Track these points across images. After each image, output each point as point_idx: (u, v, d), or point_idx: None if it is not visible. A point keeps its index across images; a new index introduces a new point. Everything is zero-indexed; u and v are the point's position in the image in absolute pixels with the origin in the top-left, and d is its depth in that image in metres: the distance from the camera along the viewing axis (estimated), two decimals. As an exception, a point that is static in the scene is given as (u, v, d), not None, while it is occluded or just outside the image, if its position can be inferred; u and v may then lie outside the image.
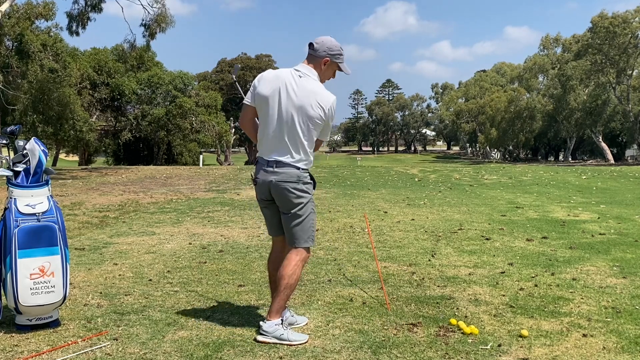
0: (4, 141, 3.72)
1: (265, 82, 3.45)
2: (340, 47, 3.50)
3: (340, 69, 3.55)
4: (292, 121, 3.38)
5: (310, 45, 3.49)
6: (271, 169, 3.43)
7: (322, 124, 3.43)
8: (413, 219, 8.41)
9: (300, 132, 3.40)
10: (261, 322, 3.46)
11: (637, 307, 4.05)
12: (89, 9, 22.25)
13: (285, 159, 3.40)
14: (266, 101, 3.42)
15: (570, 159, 54.74)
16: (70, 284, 4.15)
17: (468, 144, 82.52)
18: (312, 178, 3.52)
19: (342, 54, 3.52)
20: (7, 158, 3.73)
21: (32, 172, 3.64)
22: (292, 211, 3.45)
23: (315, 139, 3.48)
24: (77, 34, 22.59)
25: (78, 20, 22.24)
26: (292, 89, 3.39)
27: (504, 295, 4.36)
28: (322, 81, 3.52)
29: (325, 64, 3.47)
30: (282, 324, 3.42)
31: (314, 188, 3.54)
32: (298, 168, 3.41)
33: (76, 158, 48.47)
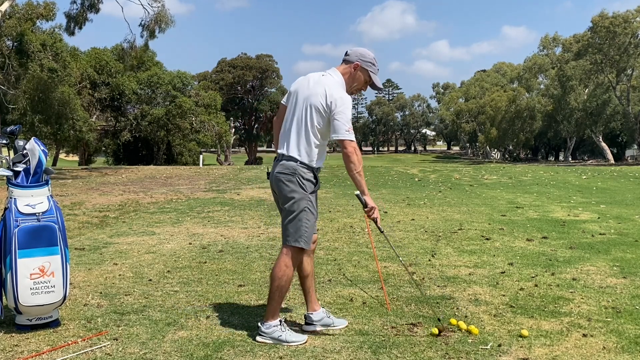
0: (4, 141, 3.71)
1: (294, 83, 3.61)
2: (374, 57, 3.56)
3: (370, 79, 3.56)
4: (300, 113, 3.45)
5: (346, 52, 3.59)
6: (277, 162, 3.49)
7: (325, 115, 3.38)
8: (413, 219, 8.41)
9: (304, 124, 3.42)
10: (259, 324, 3.48)
11: (637, 307, 4.05)
12: (87, 9, 22.28)
13: (288, 152, 3.43)
14: (289, 98, 3.57)
15: (570, 159, 54.72)
16: (70, 284, 4.15)
17: (468, 144, 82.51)
18: (315, 177, 3.45)
19: (375, 65, 3.56)
20: (7, 158, 3.73)
21: (32, 172, 3.64)
22: (285, 205, 3.42)
23: (319, 134, 3.42)
24: (73, 33, 22.65)
25: (75, 20, 22.26)
26: (309, 84, 3.48)
27: (504, 295, 4.36)
28: (350, 89, 3.54)
29: (355, 68, 3.52)
30: (280, 325, 3.42)
31: (314, 187, 3.46)
32: (296, 161, 3.39)
33: (76, 158, 48.46)
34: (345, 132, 3.32)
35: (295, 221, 3.38)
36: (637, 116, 42.29)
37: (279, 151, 3.50)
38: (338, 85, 3.45)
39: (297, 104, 3.48)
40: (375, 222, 3.50)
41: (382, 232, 3.59)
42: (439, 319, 3.66)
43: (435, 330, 3.51)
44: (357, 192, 3.50)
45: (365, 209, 3.47)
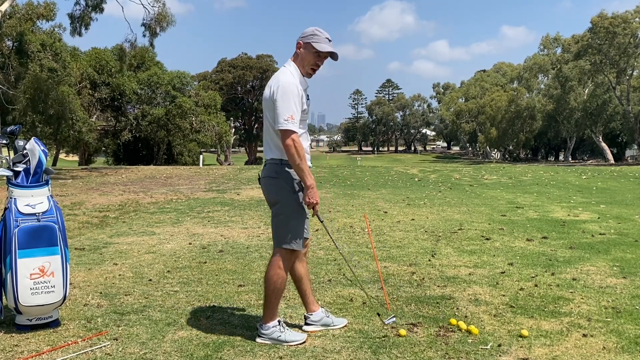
0: (4, 141, 3.72)
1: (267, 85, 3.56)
2: (315, 29, 3.38)
3: (315, 48, 3.34)
4: (265, 113, 3.39)
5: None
6: (264, 166, 3.49)
7: (272, 105, 3.25)
8: (413, 219, 8.41)
9: (270, 124, 3.32)
10: (258, 326, 3.48)
11: (637, 307, 4.05)
12: (90, 10, 22.30)
13: (270, 155, 3.40)
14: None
15: (570, 159, 54.74)
16: (70, 284, 4.15)
17: (468, 144, 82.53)
18: None
19: (317, 34, 3.36)
20: (7, 158, 3.73)
21: (32, 172, 3.65)
22: (275, 207, 3.38)
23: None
24: (80, 34, 22.68)
25: (80, 21, 22.29)
26: (269, 83, 3.41)
27: (504, 295, 4.36)
28: (305, 70, 3.39)
29: (299, 48, 3.39)
30: (279, 325, 3.42)
31: (300, 189, 3.32)
32: (280, 162, 3.33)
33: (76, 158, 48.42)
34: (284, 121, 3.14)
35: (286, 223, 3.35)
36: (637, 116, 42.29)
37: (264, 156, 3.50)
38: (284, 74, 3.31)
39: (264, 105, 3.42)
40: (314, 209, 3.37)
41: (321, 221, 3.48)
42: (378, 314, 3.64)
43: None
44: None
45: (305, 200, 3.30)
